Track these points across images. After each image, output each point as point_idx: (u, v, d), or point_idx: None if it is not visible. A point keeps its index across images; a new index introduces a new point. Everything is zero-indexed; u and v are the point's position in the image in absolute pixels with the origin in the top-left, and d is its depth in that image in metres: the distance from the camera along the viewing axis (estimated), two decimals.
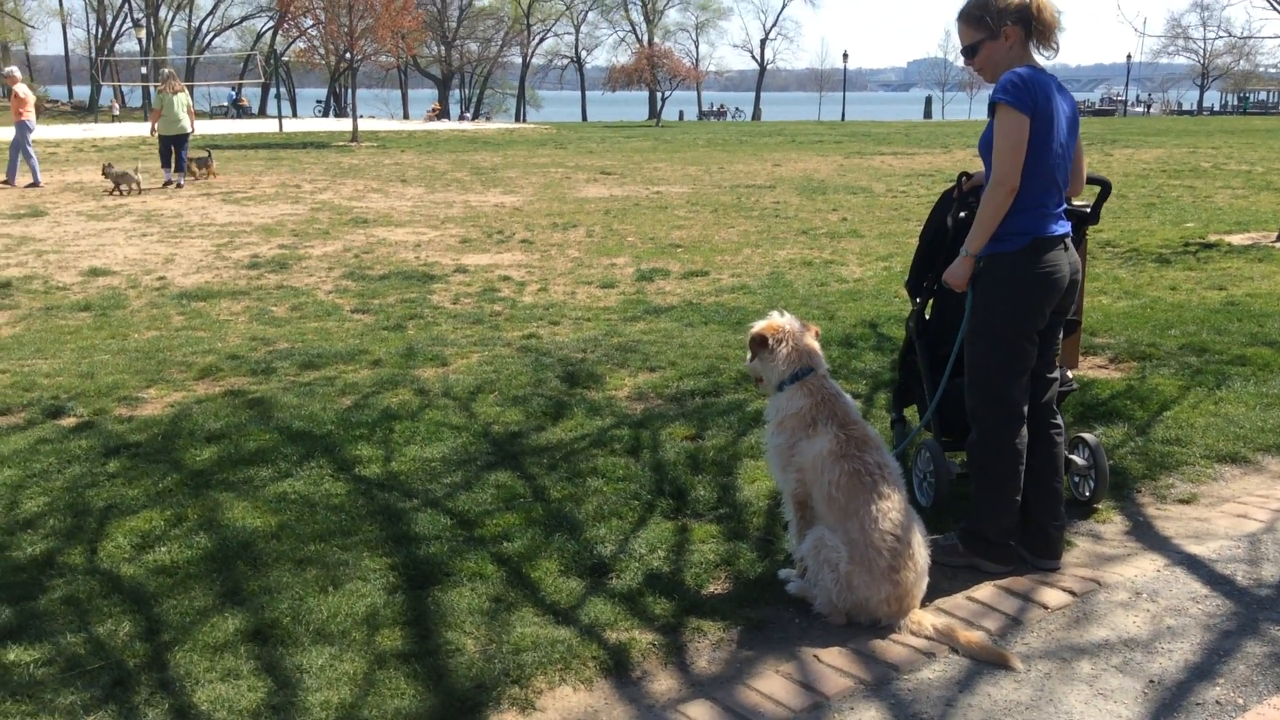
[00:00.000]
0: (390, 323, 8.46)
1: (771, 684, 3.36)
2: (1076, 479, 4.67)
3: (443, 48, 74.90)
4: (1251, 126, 48.26)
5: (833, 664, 3.47)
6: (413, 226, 14.23)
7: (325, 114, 70.70)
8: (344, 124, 43.26)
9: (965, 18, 3.95)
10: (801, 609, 3.81)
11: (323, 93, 76.65)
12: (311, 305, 9.14)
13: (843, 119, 64.60)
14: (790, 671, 3.43)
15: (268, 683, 3.26)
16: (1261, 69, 79.28)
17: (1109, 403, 6.05)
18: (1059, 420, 4.12)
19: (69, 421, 5.89)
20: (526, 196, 18.12)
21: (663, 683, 3.38)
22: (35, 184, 18.97)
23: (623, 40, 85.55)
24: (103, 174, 18.46)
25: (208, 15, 77.01)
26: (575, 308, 9.09)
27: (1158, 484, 4.96)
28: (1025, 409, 3.97)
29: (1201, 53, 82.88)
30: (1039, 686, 3.34)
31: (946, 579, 4.05)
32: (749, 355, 4.00)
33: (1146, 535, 4.41)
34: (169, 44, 75.96)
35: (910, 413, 5.26)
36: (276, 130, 41.67)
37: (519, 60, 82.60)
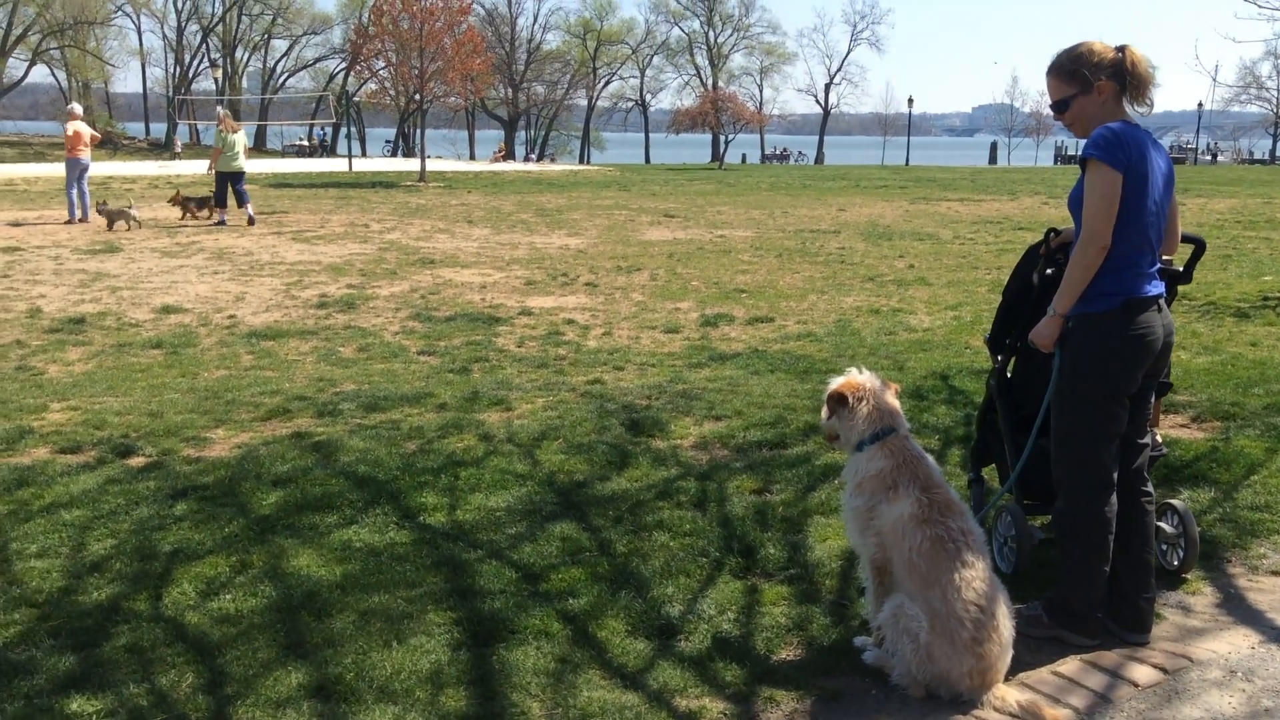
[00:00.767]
0: (455, 365, 8.46)
1: None
2: (1164, 547, 4.49)
3: (510, 90, 75.91)
4: None
5: None
6: (478, 268, 14.31)
7: (394, 154, 71.84)
8: (412, 164, 43.88)
9: (1056, 71, 3.84)
10: (878, 680, 3.66)
11: (391, 132, 77.95)
12: (378, 346, 9.17)
13: (907, 164, 64.31)
14: None
15: None
16: None
17: (1193, 465, 5.83)
18: (1150, 488, 3.95)
19: (137, 461, 5.91)
20: (591, 239, 18.17)
21: None
22: (71, 220, 19.25)
23: (687, 84, 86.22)
24: (98, 211, 18.70)
25: (282, 56, 78.89)
26: (639, 353, 9.03)
27: (1248, 553, 4.75)
28: (1115, 476, 3.82)
29: (1274, 101, 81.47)
30: None
31: (1030, 652, 3.88)
32: (825, 413, 3.89)
33: (1238, 609, 4.21)
34: (244, 84, 77.87)
35: (989, 473, 5.10)
36: (346, 169, 42.36)
37: (584, 103, 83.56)
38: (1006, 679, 3.63)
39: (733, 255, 16.08)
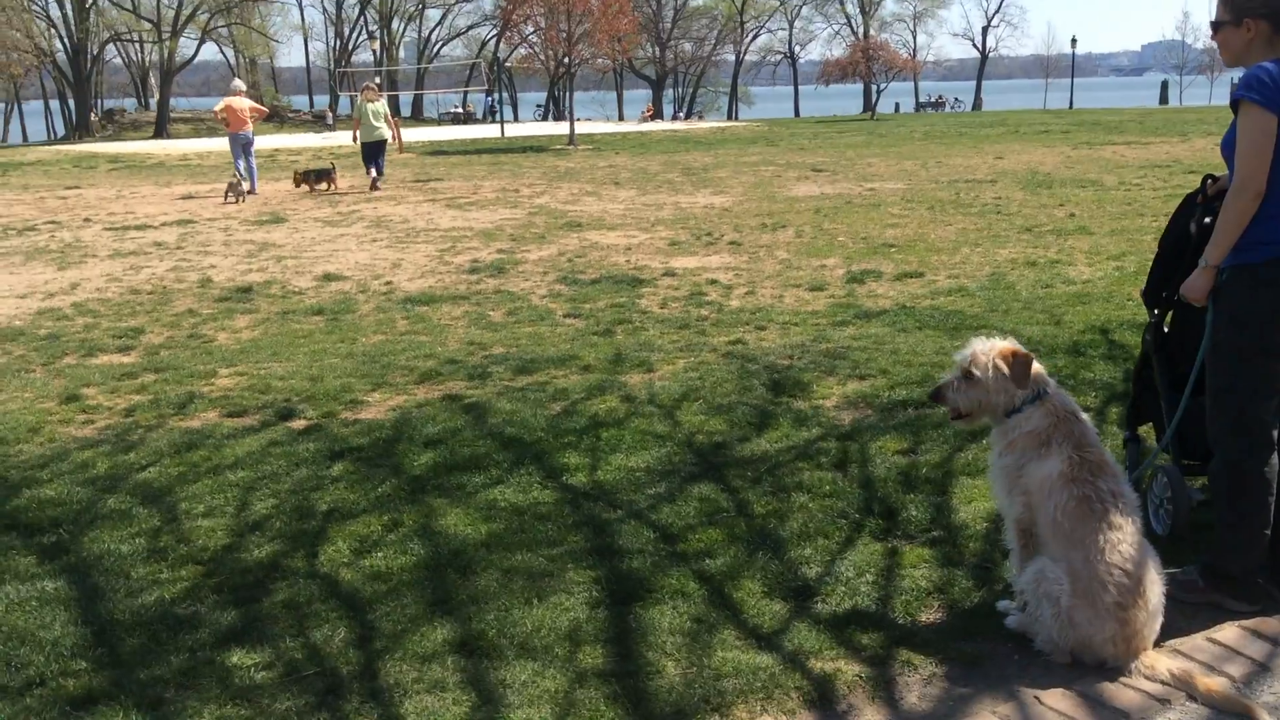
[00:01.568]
0: (600, 328, 8.55)
1: None
2: None
3: (657, 48, 75.69)
4: None
5: (1055, 707, 3.24)
6: (624, 229, 14.39)
7: (545, 117, 72.63)
8: (561, 128, 44.32)
9: None
10: (1021, 645, 3.58)
11: (542, 96, 78.75)
12: (526, 310, 9.34)
13: (1070, 106, 61.67)
14: (1008, 713, 3.23)
15: (472, 696, 3.30)
16: None
17: None
18: None
19: (298, 424, 6.19)
20: (736, 196, 18.05)
21: (868, 717, 3.24)
22: (250, 191, 20.05)
23: (837, 33, 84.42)
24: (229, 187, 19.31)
25: (436, 25, 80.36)
26: (782, 312, 8.95)
27: None
28: (1274, 434, 3.62)
29: None
30: None
31: (1184, 618, 3.73)
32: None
33: None
34: (400, 54, 79.84)
35: (1146, 431, 4.90)
36: (498, 135, 43.07)
37: (732, 58, 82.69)
38: (1157, 645, 3.51)
39: (882, 209, 15.75)
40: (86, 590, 4.08)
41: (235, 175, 19.62)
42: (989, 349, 3.67)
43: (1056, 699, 3.28)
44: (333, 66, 72.54)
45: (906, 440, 5.56)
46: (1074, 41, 74.47)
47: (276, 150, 34.28)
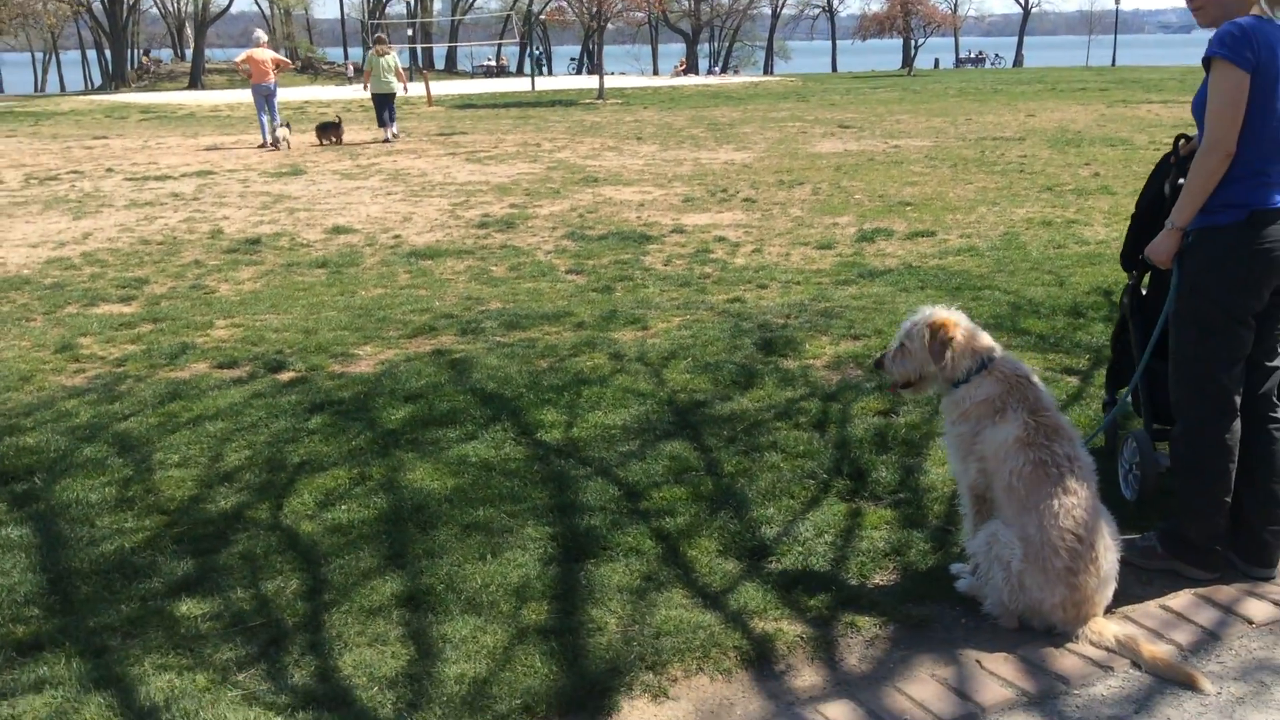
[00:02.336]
0: (600, 284, 8.51)
1: (924, 689, 3.15)
2: None
3: (692, 2, 74.83)
4: None
5: (995, 671, 3.22)
6: (640, 185, 14.30)
7: (578, 71, 72.17)
8: (592, 81, 44.02)
9: None
10: (971, 609, 3.55)
11: (577, 50, 78.24)
12: (529, 265, 9.31)
13: (1113, 64, 60.46)
14: (946, 676, 3.20)
15: (411, 650, 3.32)
16: None
17: None
18: (1278, 414, 3.64)
19: (285, 376, 6.21)
20: (758, 153, 17.87)
21: (806, 679, 3.23)
22: (264, 144, 20.24)
23: None
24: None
25: None
26: (787, 270, 8.87)
27: None
28: (1238, 400, 3.54)
29: None
30: (1227, 713, 2.98)
31: (1141, 584, 3.69)
32: (897, 354, 3.67)
33: None
34: (435, 6, 79.41)
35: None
36: (529, 89, 42.85)
37: (769, 12, 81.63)
38: (1110, 611, 3.47)
39: (904, 166, 15.55)
40: (49, 538, 4.13)
41: (275, 124, 19.86)
42: (922, 320, 3.63)
43: (998, 663, 3.25)
44: (367, 19, 72.31)
45: (889, 401, 5.50)
46: None
47: (306, 102, 34.30)
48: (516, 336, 7.00)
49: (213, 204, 13.19)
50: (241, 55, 20.96)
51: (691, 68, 69.55)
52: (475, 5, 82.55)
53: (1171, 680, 3.13)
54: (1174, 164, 3.92)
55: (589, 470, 4.71)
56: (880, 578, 3.78)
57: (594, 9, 37.09)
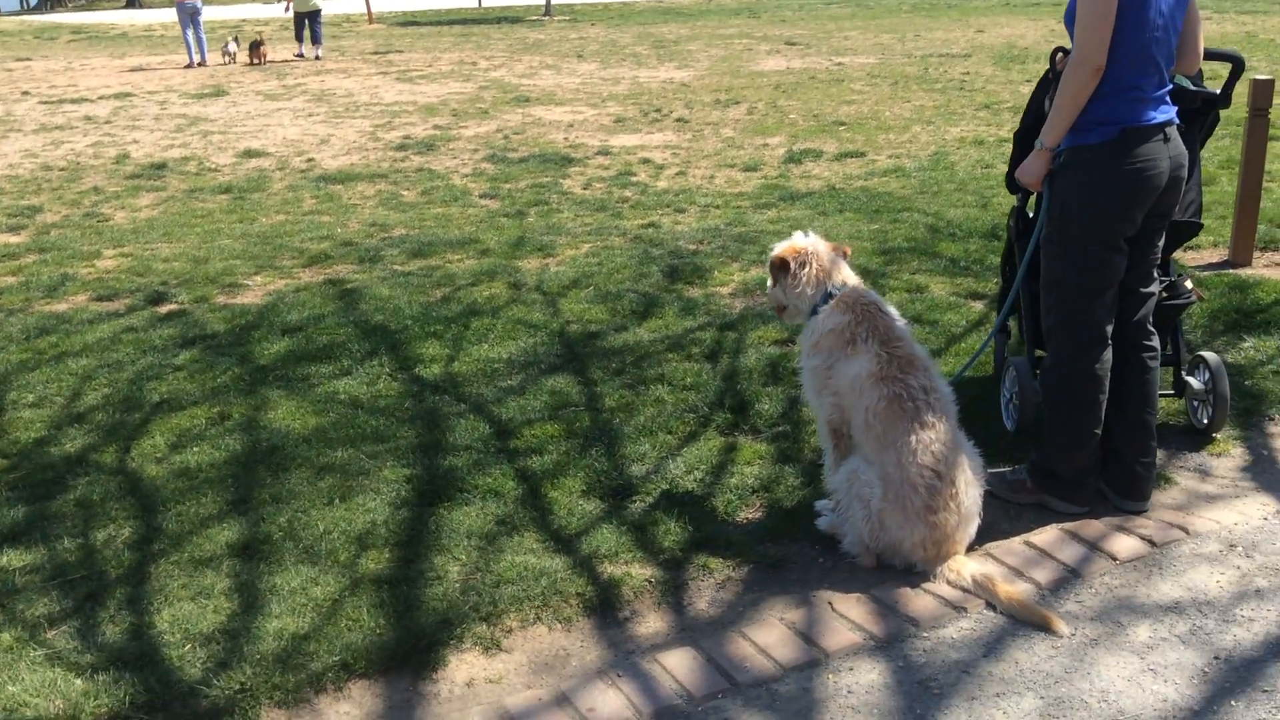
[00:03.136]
0: (513, 209, 8.24)
1: (769, 634, 3.01)
2: (1195, 404, 4.04)
3: None
4: None
5: (846, 614, 3.08)
6: (573, 105, 13.92)
7: None
8: None
9: None
10: (830, 548, 3.41)
11: None
12: (443, 190, 9.00)
13: None
14: (795, 620, 3.06)
15: (234, 604, 3.13)
16: None
17: (1270, 310, 5.24)
18: (1154, 342, 3.49)
19: (165, 309, 5.94)
20: (699, 71, 17.47)
21: (650, 625, 3.08)
22: (190, 64, 19.79)
23: None
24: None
25: None
26: (708, 193, 8.63)
27: None
28: (1109, 329, 3.38)
29: None
30: (1078, 656, 2.86)
31: (1009, 519, 3.56)
32: (770, 282, 3.55)
33: (1266, 473, 3.77)
34: None
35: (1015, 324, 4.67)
36: (475, 6, 41.78)
37: None
38: (974, 548, 3.35)
39: (844, 85, 15.23)
40: None
41: (201, 42, 19.49)
42: (775, 250, 3.47)
43: (849, 605, 3.12)
44: None
45: (787, 330, 5.32)
46: None
47: (243, 21, 33.25)
48: (417, 265, 6.75)
49: (125, 128, 12.71)
50: None
51: None
52: None
53: (1026, 621, 3.01)
54: (1053, 80, 3.71)
55: (463, 407, 4.51)
56: (746, 514, 3.63)
57: None
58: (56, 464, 4.05)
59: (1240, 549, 3.30)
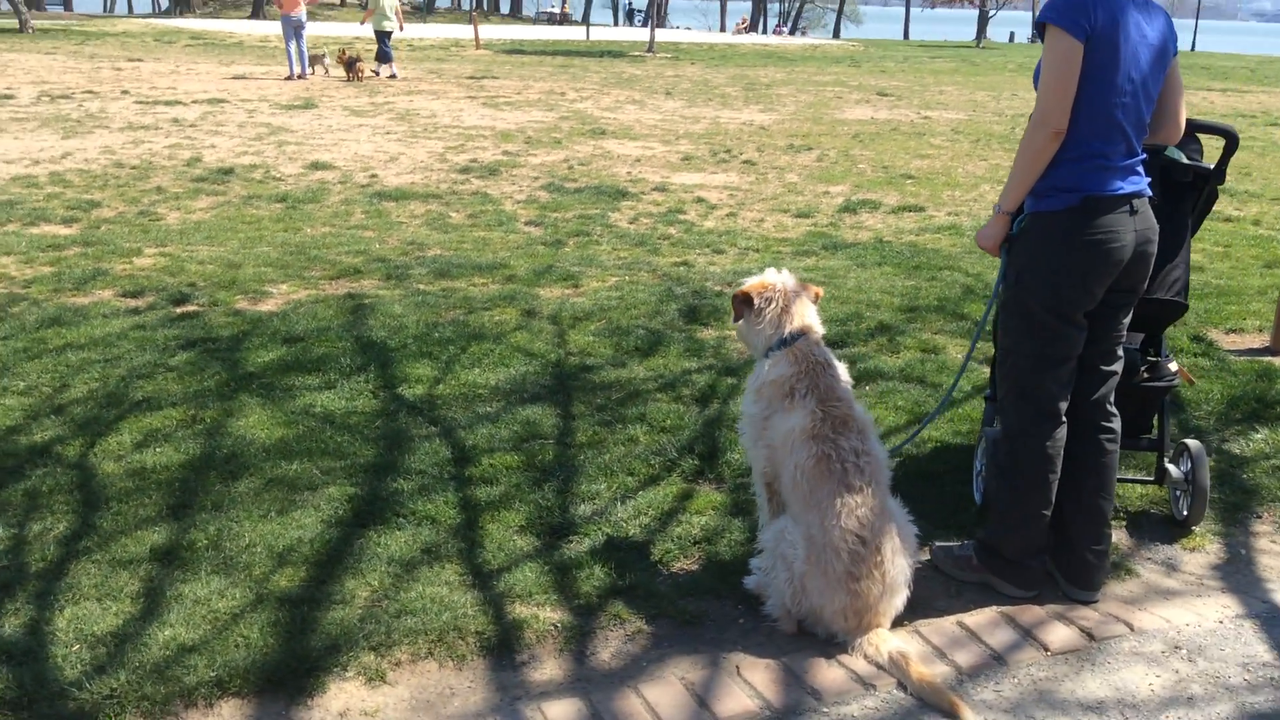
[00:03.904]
0: (552, 239, 8.24)
1: (664, 692, 2.89)
2: (1177, 494, 3.83)
3: None
4: None
5: (750, 680, 2.95)
6: (645, 141, 13.94)
7: (645, 23, 71.23)
8: (653, 35, 43.38)
9: None
10: (753, 608, 3.28)
11: (643, 1, 77.18)
12: (491, 214, 9.05)
13: (1192, 48, 58.47)
14: (695, 681, 2.94)
15: (136, 609, 3.11)
16: None
17: (1268, 395, 4.98)
18: (1113, 424, 3.30)
19: (182, 309, 6.03)
20: (782, 115, 17.40)
21: (546, 671, 2.98)
22: (290, 76, 20.28)
23: None
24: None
25: None
26: (752, 237, 8.53)
27: None
28: (1063, 405, 3.21)
29: None
30: None
31: (949, 595, 3.39)
32: (734, 316, 3.45)
33: (1237, 573, 3.54)
34: None
35: None
36: (583, 38, 42.34)
37: None
38: (903, 622, 3.19)
39: (924, 139, 15.02)
40: None
41: (303, 56, 20.13)
42: (746, 285, 3.37)
43: (756, 670, 2.98)
44: None
45: None
46: None
47: (356, 38, 34.11)
48: (440, 285, 6.77)
49: (208, 132, 13.07)
50: None
51: (754, 26, 68.44)
52: None
53: (934, 706, 2.84)
54: None
55: (432, 430, 4.47)
56: (681, 565, 3.52)
57: None
58: (20, 452, 4.11)
59: (1184, 651, 3.08)
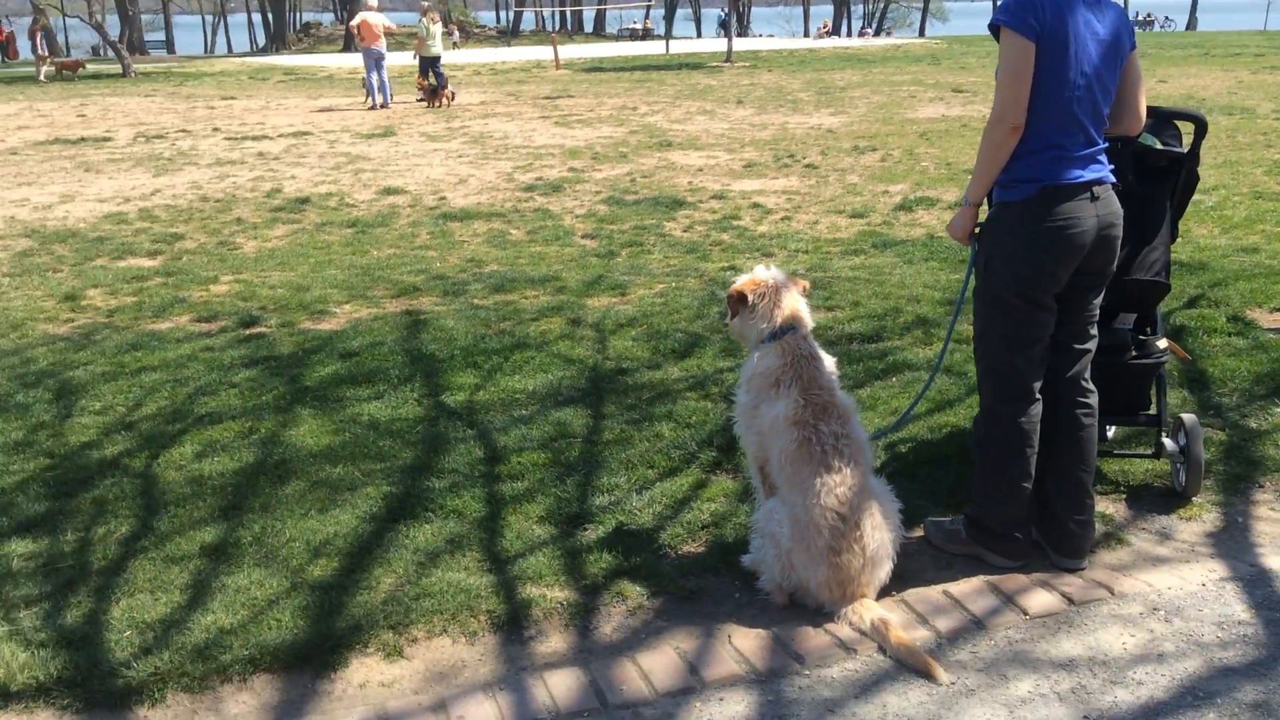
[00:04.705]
0: (606, 250, 8.51)
1: (659, 660, 3.12)
2: (1177, 467, 3.92)
3: None
4: None
5: (740, 647, 3.16)
6: (710, 150, 14.16)
7: (726, 33, 71.39)
8: (735, 44, 43.56)
9: None
10: (749, 583, 3.49)
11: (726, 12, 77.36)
12: (549, 229, 9.35)
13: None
14: (689, 649, 3.16)
15: (183, 599, 3.44)
16: None
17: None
18: (1090, 400, 3.42)
19: (250, 331, 6.44)
20: (852, 117, 17.46)
21: (551, 645, 3.23)
22: (373, 106, 20.96)
23: None
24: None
25: None
26: (803, 239, 8.69)
27: None
28: (1036, 384, 3.35)
29: None
30: (948, 704, 2.86)
31: (939, 567, 3.55)
32: (729, 314, 3.66)
33: (1230, 540, 3.62)
34: None
35: None
36: (662, 52, 42.71)
37: None
38: (891, 593, 3.37)
39: None
40: None
41: (384, 86, 20.91)
42: (740, 282, 3.59)
43: (747, 639, 3.19)
44: None
45: None
46: None
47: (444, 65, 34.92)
48: (495, 300, 7.08)
49: (290, 164, 13.66)
50: (356, 19, 21.84)
51: (837, 30, 68.10)
52: None
53: (911, 667, 3.01)
54: None
55: (470, 433, 4.76)
56: (687, 548, 3.74)
57: None
58: (90, 465, 4.50)
59: (1162, 613, 3.20)
